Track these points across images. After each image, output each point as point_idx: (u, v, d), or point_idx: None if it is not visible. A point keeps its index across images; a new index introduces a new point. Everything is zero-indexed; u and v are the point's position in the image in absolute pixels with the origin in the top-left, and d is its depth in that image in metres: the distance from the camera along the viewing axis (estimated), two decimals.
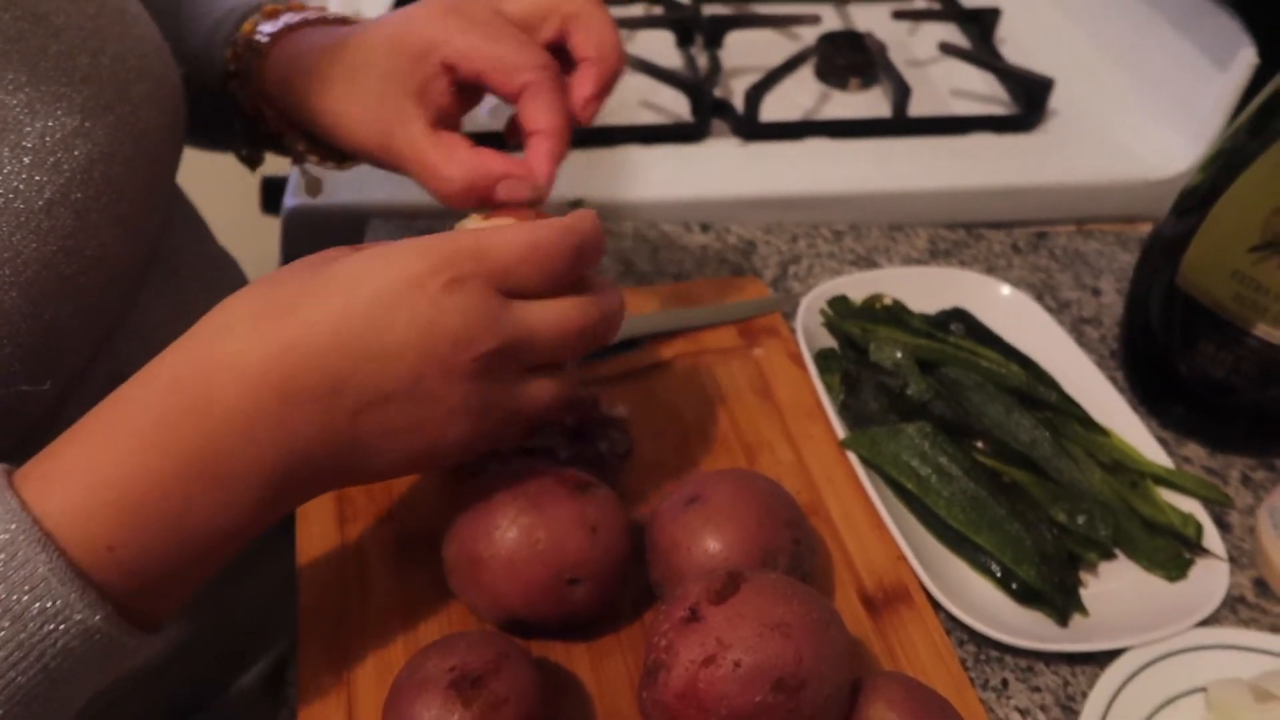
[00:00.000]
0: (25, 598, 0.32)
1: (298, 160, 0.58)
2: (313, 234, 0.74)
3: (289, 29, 0.51)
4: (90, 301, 0.42)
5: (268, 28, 0.52)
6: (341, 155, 0.56)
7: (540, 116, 0.45)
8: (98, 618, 0.33)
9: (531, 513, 0.43)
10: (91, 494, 0.34)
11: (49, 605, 0.32)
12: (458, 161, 0.45)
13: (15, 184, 0.38)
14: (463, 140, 0.46)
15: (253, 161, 0.58)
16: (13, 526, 0.32)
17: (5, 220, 0.38)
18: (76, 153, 0.41)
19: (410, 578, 0.49)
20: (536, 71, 0.44)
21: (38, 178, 0.39)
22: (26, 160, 0.39)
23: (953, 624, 0.50)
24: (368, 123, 0.46)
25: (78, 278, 0.41)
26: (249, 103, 0.53)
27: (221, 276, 0.57)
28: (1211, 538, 0.52)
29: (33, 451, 0.42)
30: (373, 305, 0.36)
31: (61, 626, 0.32)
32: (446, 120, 0.47)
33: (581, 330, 0.40)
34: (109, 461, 0.34)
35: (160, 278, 0.49)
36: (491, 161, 0.45)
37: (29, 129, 0.39)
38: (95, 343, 0.44)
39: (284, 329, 0.36)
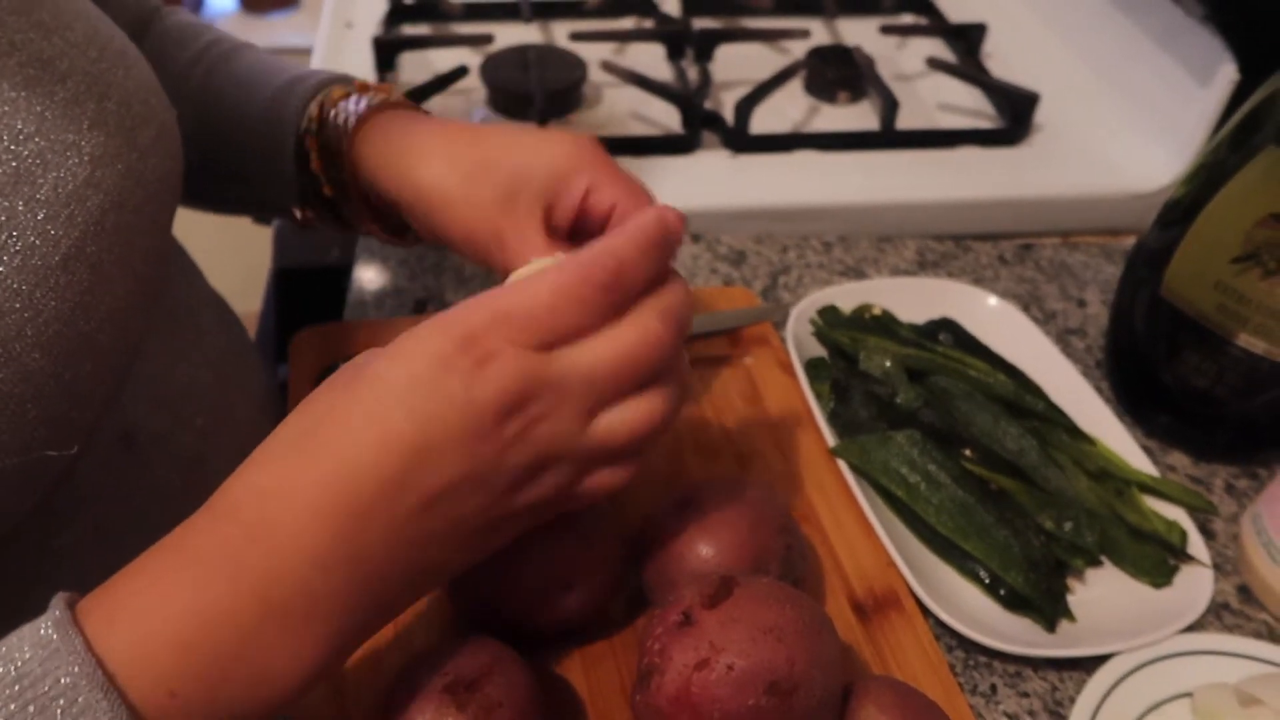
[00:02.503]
0: None
1: (350, 230, 0.57)
2: (306, 243, 0.74)
3: (388, 105, 0.52)
4: (107, 358, 0.40)
5: (366, 100, 0.52)
6: (403, 230, 0.55)
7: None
8: None
9: None
10: (155, 630, 0.32)
11: None
12: None
13: (32, 239, 0.36)
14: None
15: (306, 221, 0.57)
16: (75, 669, 0.30)
17: (25, 278, 0.36)
18: (89, 204, 0.39)
19: None
20: (656, 210, 0.42)
21: (53, 231, 0.37)
22: (41, 215, 0.37)
23: (942, 630, 0.50)
24: (487, 208, 0.46)
25: (96, 335, 0.39)
26: (315, 163, 0.53)
27: (215, 319, 0.55)
28: (1196, 545, 0.52)
29: (46, 516, 0.40)
30: (409, 400, 0.35)
31: None
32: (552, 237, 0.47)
33: (645, 343, 0.37)
34: (173, 592, 0.33)
35: (160, 326, 0.48)
36: None
37: (42, 180, 0.37)
38: (107, 400, 0.42)
39: (331, 447, 0.35)
